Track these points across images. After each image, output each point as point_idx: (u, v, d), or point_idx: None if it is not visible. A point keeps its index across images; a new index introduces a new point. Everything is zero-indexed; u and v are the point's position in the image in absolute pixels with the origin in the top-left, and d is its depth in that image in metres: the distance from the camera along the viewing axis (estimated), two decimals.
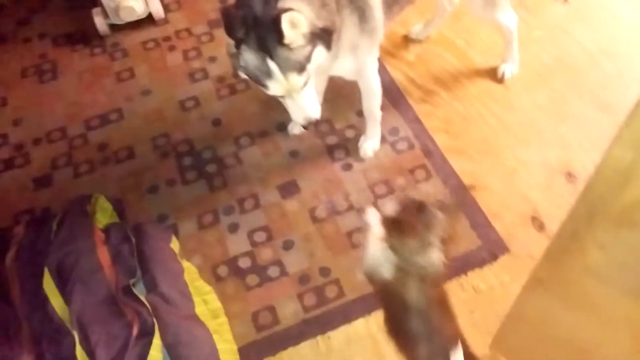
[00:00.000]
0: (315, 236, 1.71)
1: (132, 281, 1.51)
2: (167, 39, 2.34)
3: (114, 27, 2.35)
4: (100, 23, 2.31)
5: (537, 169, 1.82)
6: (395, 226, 1.12)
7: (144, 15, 2.33)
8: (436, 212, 1.12)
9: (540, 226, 1.68)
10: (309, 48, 1.38)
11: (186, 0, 2.48)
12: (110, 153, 1.99)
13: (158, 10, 2.36)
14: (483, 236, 1.66)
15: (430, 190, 1.78)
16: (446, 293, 1.20)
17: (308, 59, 1.39)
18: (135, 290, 1.49)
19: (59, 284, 1.48)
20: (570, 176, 1.78)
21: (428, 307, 1.15)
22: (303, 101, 1.48)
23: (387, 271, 1.14)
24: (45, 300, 1.47)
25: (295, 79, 1.41)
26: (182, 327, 1.44)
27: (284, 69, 1.38)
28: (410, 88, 2.08)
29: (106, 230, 1.63)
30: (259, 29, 1.33)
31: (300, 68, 1.39)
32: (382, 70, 2.12)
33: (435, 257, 1.10)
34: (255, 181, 1.87)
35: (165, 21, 2.40)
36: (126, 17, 2.29)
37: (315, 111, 1.52)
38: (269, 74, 1.38)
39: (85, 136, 2.05)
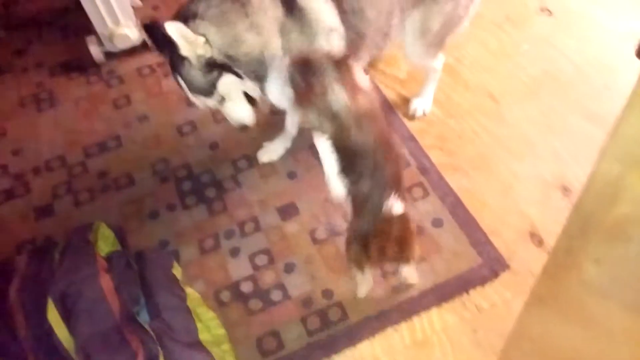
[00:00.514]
0: (316, 258, 1.72)
1: (135, 309, 1.52)
2: (162, 64, 2.35)
3: (109, 55, 2.37)
4: (95, 51, 2.34)
5: (532, 183, 1.85)
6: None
7: (138, 42, 2.35)
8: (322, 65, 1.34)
9: (539, 242, 1.70)
10: (214, 74, 1.46)
11: None
12: (109, 180, 2.01)
13: None
14: (483, 254, 1.67)
15: (429, 208, 1.80)
16: (390, 135, 1.43)
17: (213, 85, 1.48)
18: (139, 318, 1.49)
19: (63, 314, 1.48)
20: (565, 190, 1.81)
21: (373, 145, 1.36)
22: (228, 112, 1.58)
23: (326, 128, 1.37)
24: (50, 331, 1.46)
25: (204, 100, 1.52)
26: (187, 355, 1.45)
27: (191, 90, 1.50)
28: (402, 106, 2.12)
29: (108, 258, 1.63)
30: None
31: (207, 92, 1.49)
32: (375, 89, 2.16)
33: (340, 98, 1.33)
34: (254, 204, 1.88)
35: None
36: (121, 45, 2.32)
37: (245, 119, 1.62)
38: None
39: (84, 164, 2.06)
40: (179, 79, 1.53)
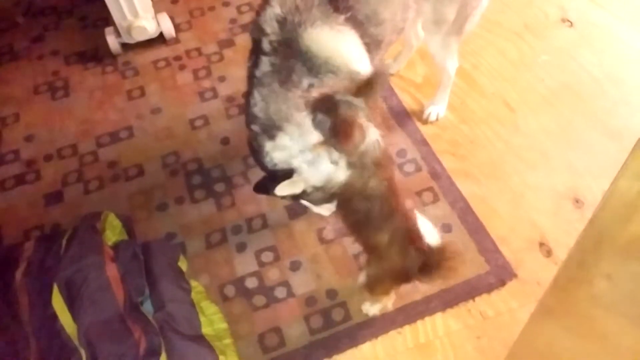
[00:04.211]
0: (322, 258, 1.72)
1: (139, 299, 1.52)
2: (177, 58, 2.37)
3: (126, 46, 2.38)
4: (112, 42, 2.34)
5: (544, 194, 1.83)
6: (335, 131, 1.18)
7: (155, 35, 2.36)
8: (350, 100, 1.17)
9: (547, 252, 1.69)
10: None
11: (197, 20, 2.51)
12: (120, 170, 2.01)
13: (169, 30, 2.39)
14: (491, 261, 1.66)
15: (438, 213, 1.79)
16: (394, 181, 1.31)
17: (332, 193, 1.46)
18: (142, 309, 1.49)
19: (68, 301, 1.49)
20: (577, 202, 1.79)
21: (386, 191, 1.28)
22: None
23: (342, 173, 1.26)
24: (53, 316, 1.47)
25: (329, 206, 1.54)
26: (189, 348, 1.45)
27: (317, 204, 1.58)
28: (417, 110, 2.10)
29: (115, 247, 1.64)
30: None
31: (329, 200, 1.48)
32: (390, 92, 2.16)
33: (374, 135, 1.19)
34: (263, 201, 1.87)
35: (176, 41, 2.43)
36: (138, 37, 2.33)
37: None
38: None
39: (95, 153, 2.07)
40: (304, 202, 1.55)
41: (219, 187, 1.93)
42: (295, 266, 1.71)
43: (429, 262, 1.28)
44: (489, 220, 1.76)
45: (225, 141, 2.07)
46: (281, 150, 1.42)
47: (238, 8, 2.52)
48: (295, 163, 1.40)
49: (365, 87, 1.18)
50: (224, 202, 1.89)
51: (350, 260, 1.70)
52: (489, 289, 1.61)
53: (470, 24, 1.79)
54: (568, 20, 2.37)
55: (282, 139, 1.41)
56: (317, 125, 1.20)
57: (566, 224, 1.72)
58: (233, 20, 2.49)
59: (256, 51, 1.43)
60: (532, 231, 1.74)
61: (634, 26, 2.34)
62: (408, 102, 2.13)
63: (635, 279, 0.95)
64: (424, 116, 2.06)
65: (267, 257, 1.74)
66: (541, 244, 1.71)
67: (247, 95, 1.47)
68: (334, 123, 1.16)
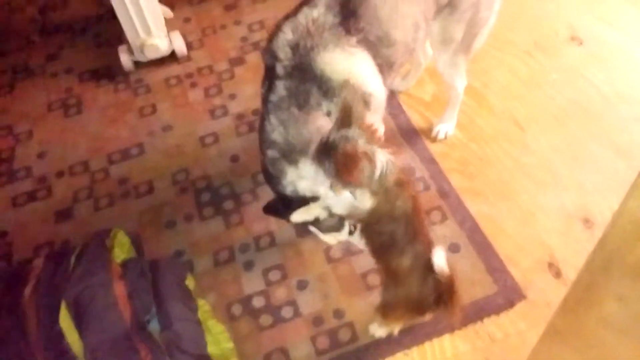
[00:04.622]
0: (329, 277, 1.71)
1: (146, 317, 1.52)
2: (189, 75, 2.40)
3: (138, 64, 2.42)
4: (125, 60, 2.38)
5: (554, 213, 1.81)
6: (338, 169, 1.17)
7: (167, 53, 2.40)
8: (344, 133, 1.17)
9: (557, 273, 1.66)
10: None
11: (209, 38, 2.55)
12: (130, 187, 2.03)
13: (181, 48, 2.43)
14: (499, 282, 1.64)
15: (446, 232, 1.78)
16: (419, 199, 1.30)
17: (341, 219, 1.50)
18: (149, 327, 1.49)
19: (75, 319, 1.49)
20: (587, 222, 1.77)
21: (412, 209, 1.27)
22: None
23: (367, 202, 1.24)
24: (60, 335, 1.48)
25: (336, 235, 1.55)
26: None
27: (324, 232, 1.55)
28: (426, 128, 2.10)
29: (123, 265, 1.64)
30: None
31: (339, 228, 1.51)
32: (399, 110, 2.16)
33: (383, 157, 1.19)
34: (271, 219, 1.87)
35: (188, 58, 2.46)
36: (150, 55, 2.36)
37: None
38: None
39: (106, 170, 2.09)
40: (312, 229, 1.54)
41: (228, 204, 1.94)
42: (302, 285, 1.71)
43: (444, 295, 1.28)
44: (497, 239, 1.74)
45: (234, 159, 2.08)
46: (305, 178, 1.40)
47: (249, 26, 2.56)
48: (322, 191, 1.37)
49: (345, 117, 1.19)
50: (232, 219, 1.90)
51: (358, 279, 1.69)
52: (498, 310, 1.59)
53: (477, 42, 1.80)
54: (578, 39, 2.37)
55: (305, 165, 1.39)
56: (328, 172, 1.21)
57: (576, 244, 1.70)
58: (244, 39, 2.51)
59: (270, 76, 1.43)
60: (541, 251, 1.72)
61: None
62: (417, 120, 2.13)
63: None
64: (433, 134, 2.06)
65: (274, 275, 1.74)
66: (550, 265, 1.69)
67: (262, 120, 1.46)
68: (335, 162, 1.16)
